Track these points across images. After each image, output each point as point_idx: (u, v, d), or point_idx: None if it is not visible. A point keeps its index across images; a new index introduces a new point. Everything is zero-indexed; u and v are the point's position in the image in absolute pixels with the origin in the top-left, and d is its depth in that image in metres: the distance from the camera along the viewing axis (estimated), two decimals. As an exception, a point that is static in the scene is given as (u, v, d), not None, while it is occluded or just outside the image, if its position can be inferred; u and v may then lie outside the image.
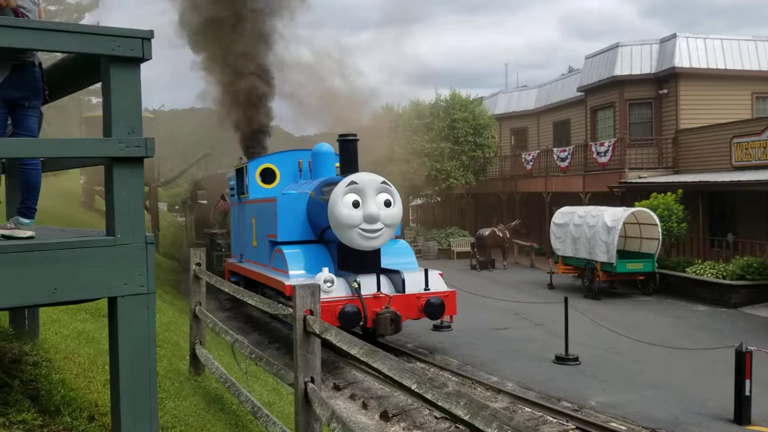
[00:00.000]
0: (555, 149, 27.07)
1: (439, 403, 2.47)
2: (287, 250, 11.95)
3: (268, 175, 14.41)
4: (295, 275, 11.51)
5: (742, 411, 8.40)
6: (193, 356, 6.89)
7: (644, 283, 18.53)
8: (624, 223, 17.96)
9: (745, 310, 16.06)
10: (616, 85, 24.90)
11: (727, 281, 16.80)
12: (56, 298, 3.34)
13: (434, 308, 10.95)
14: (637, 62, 24.56)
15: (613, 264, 17.73)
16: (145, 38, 3.47)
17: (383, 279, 11.15)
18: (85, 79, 4.35)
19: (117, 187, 3.47)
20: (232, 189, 16.39)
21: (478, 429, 2.19)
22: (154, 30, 3.55)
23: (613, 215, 18.11)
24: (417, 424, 8.17)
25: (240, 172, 15.36)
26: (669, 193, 19.16)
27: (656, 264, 18.16)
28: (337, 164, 13.30)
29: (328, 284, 10.54)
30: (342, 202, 10.89)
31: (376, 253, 11.68)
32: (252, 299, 5.09)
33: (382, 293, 10.85)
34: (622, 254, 18.35)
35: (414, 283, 11.20)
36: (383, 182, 11.20)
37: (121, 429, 3.50)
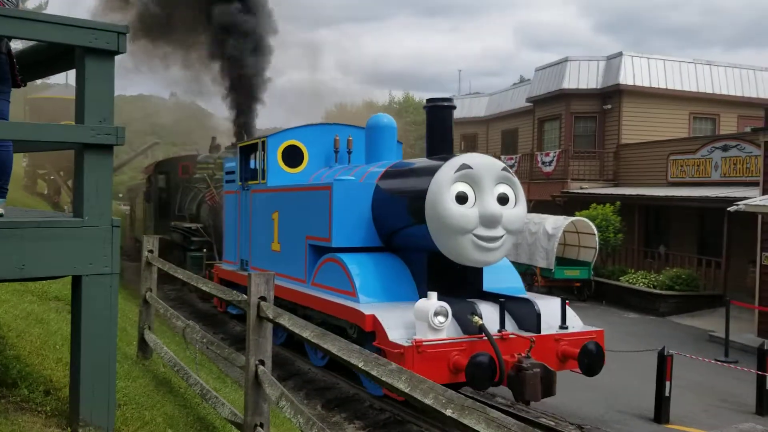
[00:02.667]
0: (502, 156, 27.81)
1: (383, 378, 2.77)
2: (351, 262, 8.42)
3: (291, 156, 10.98)
4: (369, 300, 8.09)
5: (661, 411, 9.00)
6: (142, 341, 7.02)
7: (580, 289, 19.29)
8: (564, 231, 18.67)
9: (672, 319, 16.93)
10: (563, 98, 25.75)
11: (657, 291, 17.68)
12: (24, 274, 3.51)
13: (593, 358, 7.60)
14: (584, 77, 25.46)
15: (551, 270, 18.41)
16: (120, 32, 3.68)
17: (495, 309, 7.57)
18: (56, 65, 4.50)
19: (87, 172, 3.66)
20: (229, 173, 12.76)
21: (417, 399, 2.50)
22: (128, 25, 3.74)
23: (554, 223, 18.80)
24: (358, 415, 8.46)
25: (248, 152, 11.92)
26: (608, 205, 20.00)
27: (592, 272, 18.94)
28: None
29: (440, 320, 6.87)
30: (449, 195, 7.51)
31: (477, 271, 8.38)
32: (206, 286, 5.30)
33: (511, 333, 7.38)
34: (561, 261, 19.06)
35: (548, 318, 7.78)
36: (504, 169, 7.85)
37: (79, 403, 3.69)
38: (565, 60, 26.05)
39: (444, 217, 7.52)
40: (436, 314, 6.85)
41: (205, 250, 15.45)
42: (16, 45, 4.37)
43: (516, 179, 8.03)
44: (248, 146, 11.90)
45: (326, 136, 10.95)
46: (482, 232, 7.57)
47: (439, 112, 8.62)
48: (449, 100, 8.70)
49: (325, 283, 8.84)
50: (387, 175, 8.95)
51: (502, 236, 7.69)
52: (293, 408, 3.78)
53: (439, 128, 8.61)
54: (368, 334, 7.56)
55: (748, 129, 18.53)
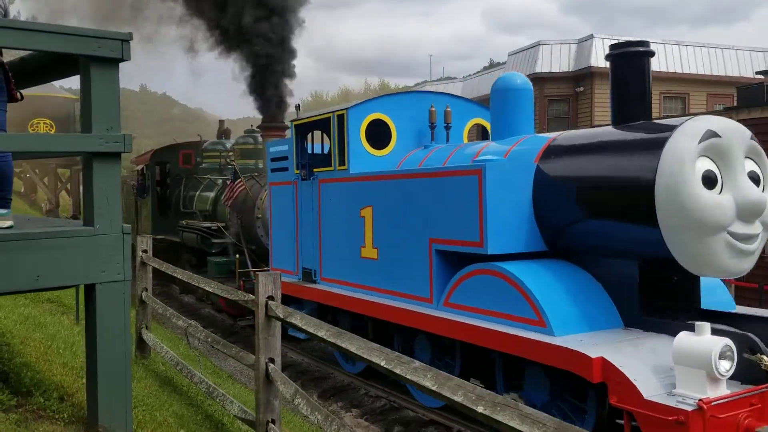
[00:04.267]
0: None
1: (408, 377, 2.86)
2: (526, 276, 5.96)
3: (374, 134, 8.49)
4: (566, 332, 5.65)
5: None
6: (140, 341, 7.04)
7: None
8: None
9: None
10: (536, 82, 25.94)
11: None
12: (39, 284, 3.54)
13: None
14: (556, 60, 25.71)
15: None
16: (124, 40, 3.68)
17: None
18: (55, 74, 4.49)
19: (96, 180, 3.68)
20: (277, 160, 10.03)
21: (446, 397, 2.59)
22: (132, 33, 3.76)
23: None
24: (354, 404, 8.58)
25: (309, 131, 9.55)
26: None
27: None
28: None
29: (726, 366, 4.63)
30: (695, 176, 5.29)
31: (694, 282, 6.09)
32: (209, 286, 5.34)
33: None
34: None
35: None
36: (752, 137, 5.67)
37: (98, 409, 3.74)
38: (538, 44, 26.25)
39: (692, 209, 5.21)
40: (722, 357, 4.57)
41: (237, 255, 12.34)
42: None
43: (763, 152, 5.75)
44: (311, 123, 9.10)
45: (418, 108, 8.58)
46: (739, 228, 5.35)
47: (633, 62, 6.15)
48: (645, 44, 6.29)
49: (474, 304, 6.32)
50: (553, 152, 6.48)
51: (758, 234, 5.47)
52: (309, 405, 3.86)
53: (636, 83, 6.15)
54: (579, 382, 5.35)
55: (718, 107, 18.92)
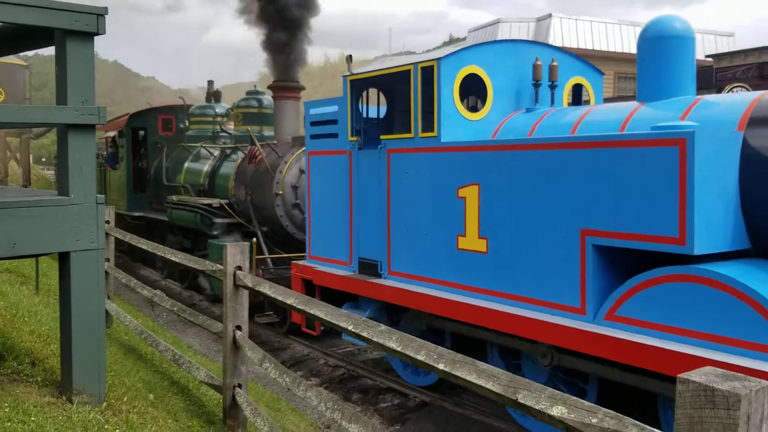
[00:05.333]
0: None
1: (374, 339, 3.08)
2: (761, 287, 4.37)
3: (464, 93, 6.96)
4: None
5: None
6: (103, 310, 7.12)
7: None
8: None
9: None
10: (495, 59, 26.30)
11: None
12: (16, 251, 3.65)
13: None
14: (516, 38, 26.03)
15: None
16: (100, 14, 3.77)
17: None
18: (26, 44, 4.52)
19: (71, 151, 3.79)
20: (320, 125, 8.08)
21: (409, 356, 2.83)
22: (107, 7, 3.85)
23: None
24: (313, 373, 8.83)
25: (376, 87, 8.04)
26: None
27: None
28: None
29: None
30: None
31: None
32: (175, 256, 5.47)
33: None
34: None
35: None
36: None
37: (72, 373, 3.88)
38: (497, 21, 26.54)
39: None
40: None
41: (254, 239, 10.68)
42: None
43: None
44: (375, 79, 7.40)
45: (518, 61, 6.91)
46: None
47: None
48: None
49: (667, 321, 4.73)
50: (766, 118, 4.95)
51: None
52: (278, 369, 4.07)
53: None
54: None
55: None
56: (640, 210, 4.84)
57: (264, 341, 10.19)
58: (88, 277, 3.88)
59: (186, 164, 14.19)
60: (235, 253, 4.63)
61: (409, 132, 6.80)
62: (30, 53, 49.36)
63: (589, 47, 25.61)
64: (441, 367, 2.66)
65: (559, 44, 24.97)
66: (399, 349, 2.92)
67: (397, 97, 8.11)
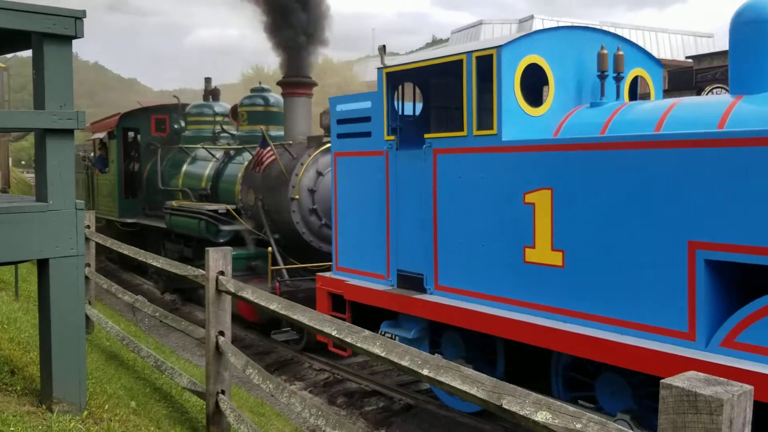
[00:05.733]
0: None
1: (358, 344, 3.07)
2: None
3: (525, 86, 5.98)
4: None
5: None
6: (84, 316, 7.04)
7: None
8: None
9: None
10: (478, 60, 26.41)
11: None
12: (-7, 259, 3.57)
13: None
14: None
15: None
16: (78, 18, 3.73)
17: None
18: (5, 47, 4.46)
19: (50, 156, 3.74)
20: (349, 122, 7.39)
21: (394, 362, 2.82)
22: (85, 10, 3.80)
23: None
24: (298, 377, 8.79)
25: (415, 80, 7.41)
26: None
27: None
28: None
29: None
30: None
31: None
32: (157, 261, 5.41)
33: None
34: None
35: None
36: None
37: (52, 381, 3.82)
38: (480, 23, 26.65)
39: None
40: None
41: (269, 248, 9.83)
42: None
43: None
44: (417, 71, 6.68)
45: (579, 50, 6.14)
46: None
47: None
48: None
49: None
50: None
51: None
52: (261, 374, 4.03)
53: None
54: None
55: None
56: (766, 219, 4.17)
57: (248, 345, 10.14)
58: (68, 284, 3.83)
59: (184, 167, 13.34)
60: (218, 257, 4.59)
61: (461, 130, 6.01)
62: (8, 55, 48.80)
63: (571, 49, 25.82)
64: (425, 372, 2.64)
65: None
66: (383, 354, 2.90)
67: (436, 92, 7.37)
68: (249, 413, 5.66)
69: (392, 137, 6.69)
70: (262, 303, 3.97)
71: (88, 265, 7.13)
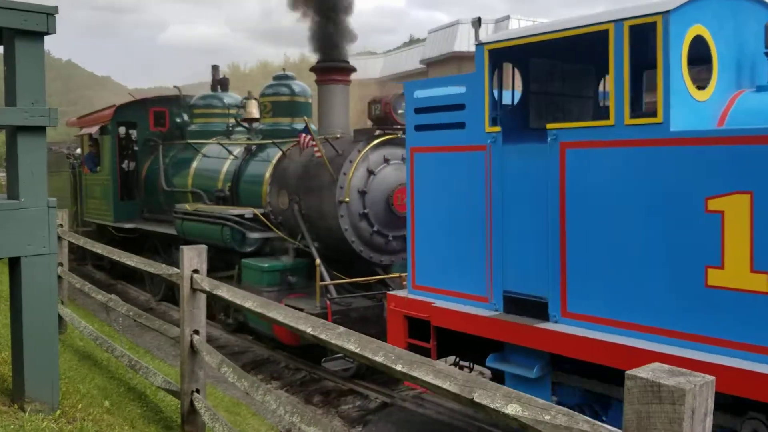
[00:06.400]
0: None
1: (333, 341, 3.09)
2: None
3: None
4: None
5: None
6: (57, 316, 6.97)
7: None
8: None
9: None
10: (455, 60, 26.49)
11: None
12: (-36, 257, 3.53)
13: None
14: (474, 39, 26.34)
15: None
16: (50, 14, 3.71)
17: None
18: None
19: (21, 154, 3.71)
20: (438, 110, 6.12)
21: (368, 358, 2.84)
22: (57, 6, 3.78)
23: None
24: (274, 376, 8.78)
25: (520, 60, 6.15)
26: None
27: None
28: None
29: None
30: None
31: None
32: (131, 260, 5.38)
33: None
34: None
35: None
36: None
37: (24, 380, 3.80)
38: (457, 23, 26.78)
39: None
40: None
41: (318, 261, 8.23)
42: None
43: None
44: (534, 46, 5.38)
45: (738, 21, 5.09)
46: None
47: None
48: None
49: None
50: None
51: None
52: (236, 373, 4.04)
53: None
54: None
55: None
56: None
57: (223, 345, 10.10)
58: (40, 283, 3.80)
59: (194, 165, 11.84)
60: (192, 256, 4.58)
61: (606, 118, 4.95)
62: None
63: (547, 49, 26.04)
64: (399, 368, 2.67)
65: (517, 46, 25.33)
66: (357, 351, 2.93)
67: (543, 74, 6.22)
68: (224, 412, 5.65)
69: (497, 128, 5.50)
70: (238, 301, 3.97)
71: (61, 264, 7.06)
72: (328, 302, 7.79)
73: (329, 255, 8.87)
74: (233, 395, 7.35)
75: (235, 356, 9.58)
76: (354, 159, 8.61)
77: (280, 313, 3.54)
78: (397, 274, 8.48)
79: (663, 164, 4.53)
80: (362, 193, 8.64)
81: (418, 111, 6.24)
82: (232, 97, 13.27)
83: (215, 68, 13.97)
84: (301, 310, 7.08)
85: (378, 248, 8.80)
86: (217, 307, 10.32)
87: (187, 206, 10.81)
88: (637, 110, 5.05)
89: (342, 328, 3.12)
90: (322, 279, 8.19)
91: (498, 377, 5.71)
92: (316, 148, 8.62)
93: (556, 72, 6.07)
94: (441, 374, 2.49)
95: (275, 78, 11.28)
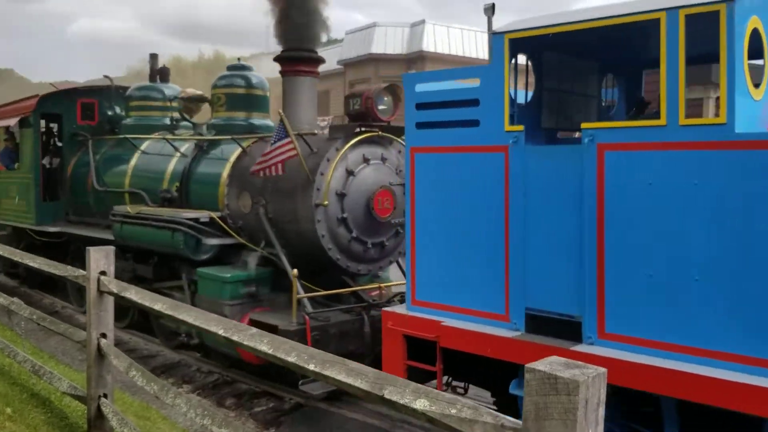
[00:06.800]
0: (318, 118, 28.34)
1: (245, 343, 3.09)
2: None
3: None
4: None
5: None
6: (-50, 321, 6.59)
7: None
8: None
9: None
10: (372, 62, 26.74)
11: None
12: None
13: None
14: (391, 42, 26.64)
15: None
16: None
17: None
18: None
19: None
20: (445, 106, 5.48)
21: (281, 359, 2.86)
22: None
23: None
24: (186, 379, 8.60)
25: (541, 52, 5.73)
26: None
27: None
28: None
29: None
30: None
31: None
32: (34, 261, 5.17)
33: None
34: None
35: None
36: None
37: None
38: (373, 25, 27.04)
39: None
40: None
41: (295, 270, 7.29)
42: None
43: None
44: (541, 40, 5.04)
45: None
46: None
47: None
48: None
49: None
50: None
51: None
52: (145, 376, 3.96)
53: None
54: None
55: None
56: None
57: (132, 348, 9.81)
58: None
59: (132, 163, 10.59)
60: (99, 257, 4.45)
61: (609, 119, 4.68)
62: None
63: (460, 53, 26.62)
64: (311, 367, 2.71)
65: (431, 50, 25.74)
66: (270, 351, 2.94)
67: (561, 68, 5.79)
68: (133, 417, 5.51)
69: (519, 127, 4.95)
70: (147, 303, 3.90)
71: (-44, 266, 6.68)
72: (306, 318, 6.97)
73: (296, 263, 7.78)
74: (143, 399, 7.17)
75: (145, 360, 9.32)
76: (332, 158, 7.78)
77: (190, 315, 3.50)
78: (375, 285, 7.99)
79: (728, 170, 4.06)
80: (341, 196, 7.80)
81: (420, 107, 5.57)
82: (172, 88, 12.06)
83: (153, 57, 12.75)
84: (275, 327, 6.79)
85: (356, 257, 8.02)
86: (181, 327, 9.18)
87: (128, 208, 9.68)
88: (637, 110, 4.73)
89: (254, 330, 3.13)
90: (298, 291, 7.27)
91: (502, 404, 5.33)
92: (291, 146, 7.62)
93: (566, 68, 5.58)
94: (353, 372, 2.55)
95: (230, 68, 10.26)
